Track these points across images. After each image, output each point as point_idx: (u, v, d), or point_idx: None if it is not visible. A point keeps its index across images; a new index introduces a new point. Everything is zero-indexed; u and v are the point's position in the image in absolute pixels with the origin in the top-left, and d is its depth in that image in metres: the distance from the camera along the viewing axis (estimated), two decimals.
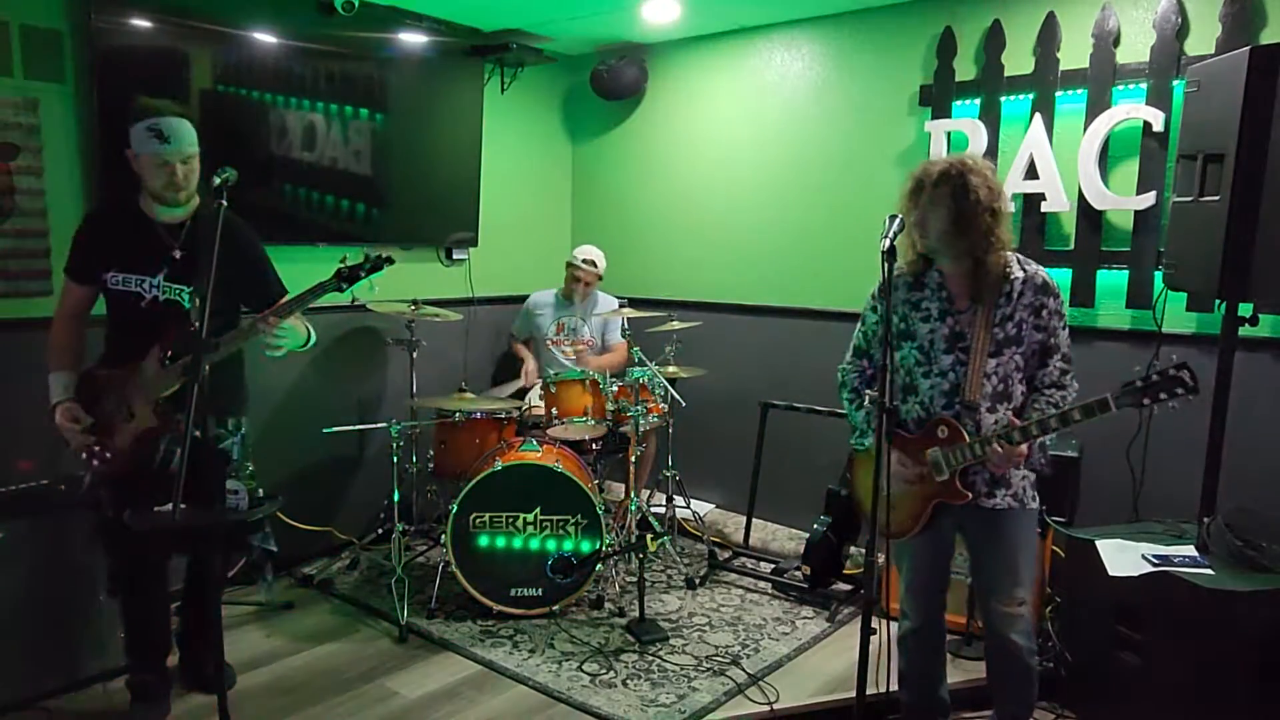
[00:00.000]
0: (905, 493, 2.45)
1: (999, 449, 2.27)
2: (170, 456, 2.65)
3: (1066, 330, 2.40)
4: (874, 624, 2.29)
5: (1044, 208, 3.53)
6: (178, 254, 2.66)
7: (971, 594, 3.27)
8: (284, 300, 2.73)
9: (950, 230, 2.28)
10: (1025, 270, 2.37)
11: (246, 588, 3.76)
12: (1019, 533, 2.44)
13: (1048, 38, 3.51)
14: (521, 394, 4.46)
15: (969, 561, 2.64)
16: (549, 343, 4.55)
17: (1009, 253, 2.36)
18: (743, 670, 3.18)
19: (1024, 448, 2.29)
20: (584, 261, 4.45)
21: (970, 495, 2.39)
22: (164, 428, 2.64)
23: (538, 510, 3.54)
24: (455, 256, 4.68)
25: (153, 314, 2.65)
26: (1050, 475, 2.56)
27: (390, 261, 2.65)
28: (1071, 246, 3.52)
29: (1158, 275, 3.24)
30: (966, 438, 2.34)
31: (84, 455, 2.64)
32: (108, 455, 2.64)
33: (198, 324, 2.14)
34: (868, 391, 2.57)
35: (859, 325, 2.62)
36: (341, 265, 2.61)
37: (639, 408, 3.90)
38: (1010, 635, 2.44)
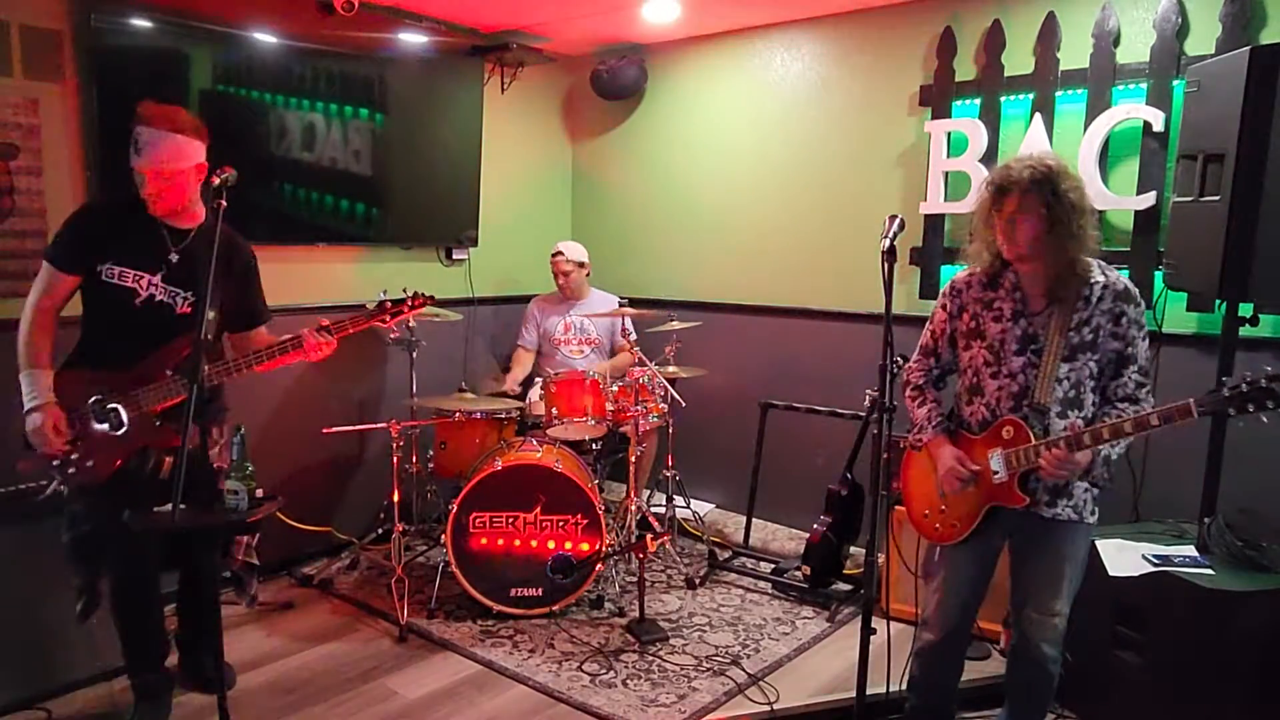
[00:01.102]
0: (959, 494, 2.38)
1: (1057, 453, 2.15)
2: (159, 467, 2.59)
3: (1146, 342, 2.26)
4: (874, 624, 2.29)
5: None
6: (174, 257, 2.62)
7: None
8: (330, 322, 2.67)
9: (1045, 235, 2.18)
10: (1106, 276, 2.26)
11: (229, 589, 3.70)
12: (1070, 546, 2.34)
13: (1048, 37, 3.51)
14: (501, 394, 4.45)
15: (1008, 566, 2.49)
16: (558, 342, 4.55)
17: (1092, 258, 2.26)
18: (743, 670, 3.18)
19: (1081, 457, 2.16)
20: (554, 254, 4.50)
21: (1028, 500, 2.28)
22: (156, 441, 2.57)
23: (538, 510, 3.54)
24: (455, 256, 4.68)
25: (145, 314, 2.59)
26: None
27: (432, 300, 2.75)
28: None
29: (1158, 275, 3.24)
30: (1032, 439, 2.24)
31: (58, 463, 2.53)
32: (88, 464, 2.54)
33: (198, 332, 2.13)
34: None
35: (927, 324, 2.54)
36: (385, 300, 2.69)
37: (639, 408, 3.89)
38: (1040, 643, 2.36)
